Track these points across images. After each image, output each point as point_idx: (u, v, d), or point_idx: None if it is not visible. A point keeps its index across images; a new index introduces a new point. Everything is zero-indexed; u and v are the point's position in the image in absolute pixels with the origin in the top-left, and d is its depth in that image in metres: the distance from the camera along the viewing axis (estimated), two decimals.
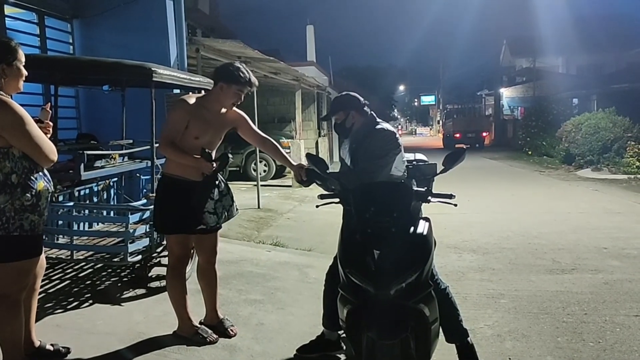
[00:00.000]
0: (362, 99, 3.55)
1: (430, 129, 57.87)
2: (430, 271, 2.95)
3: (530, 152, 21.16)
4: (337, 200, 3.24)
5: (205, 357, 3.45)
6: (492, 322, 4.32)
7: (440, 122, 43.20)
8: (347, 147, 3.59)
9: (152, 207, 4.31)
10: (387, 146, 3.38)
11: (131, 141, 5.80)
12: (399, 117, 78.49)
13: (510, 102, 33.51)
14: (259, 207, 9.45)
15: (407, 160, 3.56)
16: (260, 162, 14.64)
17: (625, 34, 30.36)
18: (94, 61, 4.92)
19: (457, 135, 31.20)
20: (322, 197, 3.33)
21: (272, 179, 14.29)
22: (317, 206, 3.37)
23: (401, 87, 59.72)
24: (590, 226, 8.03)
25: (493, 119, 34.47)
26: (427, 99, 57.92)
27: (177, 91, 6.31)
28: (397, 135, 3.48)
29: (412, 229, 2.90)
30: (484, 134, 31.66)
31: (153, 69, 4.33)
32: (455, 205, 3.18)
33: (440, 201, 3.16)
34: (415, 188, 3.21)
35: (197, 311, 3.89)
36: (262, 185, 13.19)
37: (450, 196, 3.13)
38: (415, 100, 67.29)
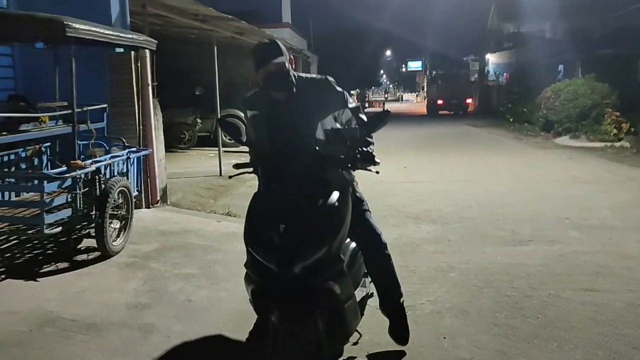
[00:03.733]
0: None
1: (417, 96, 57.32)
2: (340, 247, 2.72)
3: (511, 120, 20.91)
4: (252, 169, 2.97)
5: (114, 338, 3.22)
6: (435, 297, 4.14)
7: (425, 88, 42.72)
8: (271, 116, 2.97)
9: (74, 173, 4.02)
10: (340, 94, 2.96)
11: (65, 103, 5.43)
12: (388, 82, 77.70)
13: (495, 68, 33.06)
14: (220, 174, 9.16)
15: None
16: None
17: None
18: None
19: (441, 101, 30.82)
20: (237, 166, 3.05)
21: (194, 147, 13.84)
22: (230, 177, 3.11)
23: (388, 53, 58.83)
24: (557, 195, 7.86)
25: (477, 85, 34.07)
26: (414, 65, 57.12)
27: (120, 50, 5.91)
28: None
29: (321, 200, 2.65)
30: (468, 100, 31.28)
31: (66, 22, 3.94)
32: (377, 172, 2.92)
33: (364, 169, 2.89)
34: (332, 155, 2.91)
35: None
36: (231, 152, 12.91)
37: (373, 160, 2.84)
38: (403, 66, 66.50)
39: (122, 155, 5.07)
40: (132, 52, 5.82)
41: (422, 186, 8.85)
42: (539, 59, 24.00)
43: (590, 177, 9.39)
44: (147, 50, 5.93)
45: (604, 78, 16.32)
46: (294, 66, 2.96)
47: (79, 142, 5.46)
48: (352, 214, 2.96)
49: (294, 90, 2.85)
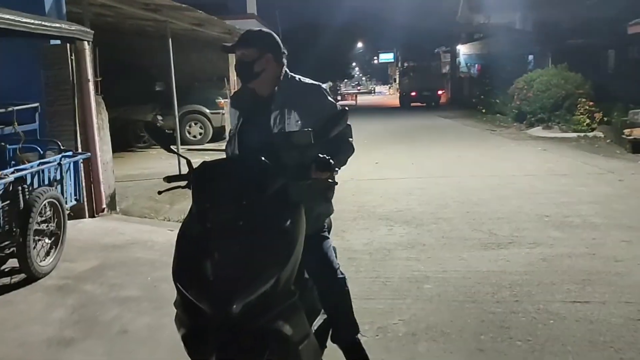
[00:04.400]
0: (282, 46, 2.69)
1: (390, 88, 57.08)
2: (292, 277, 2.22)
3: (484, 111, 20.68)
4: (185, 183, 2.43)
5: None
6: (409, 315, 3.66)
7: (397, 80, 42.42)
8: (247, 117, 2.67)
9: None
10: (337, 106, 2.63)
11: None
12: (360, 75, 77.25)
13: (467, 59, 32.84)
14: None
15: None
16: (196, 124, 13.64)
17: None
18: None
19: (413, 93, 30.56)
20: (168, 179, 2.51)
21: (209, 142, 13.32)
22: (159, 192, 2.59)
23: (359, 44, 58.36)
24: (535, 190, 7.49)
25: (449, 77, 33.88)
26: (386, 57, 56.71)
27: (56, 42, 5.26)
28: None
29: (268, 221, 2.14)
30: (440, 92, 31.08)
31: None
32: (336, 183, 2.44)
33: (319, 179, 2.39)
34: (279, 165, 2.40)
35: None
36: (196, 150, 12.28)
37: (330, 168, 2.34)
38: (375, 58, 66.18)
39: (54, 161, 4.45)
40: (68, 45, 5.18)
41: (395, 183, 8.40)
42: (509, 50, 23.83)
43: (566, 170, 9.07)
44: (85, 43, 5.31)
45: (575, 68, 16.13)
46: (285, 64, 2.63)
47: (8, 146, 4.86)
48: (311, 240, 2.49)
49: (276, 89, 2.59)
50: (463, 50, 32.49)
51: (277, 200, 2.25)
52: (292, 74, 2.73)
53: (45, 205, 3.96)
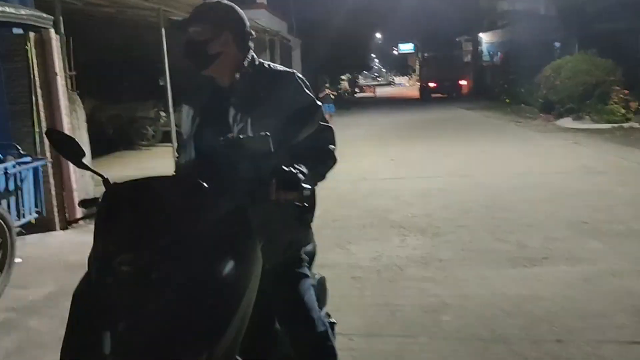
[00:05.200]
0: (248, 24, 2.02)
1: (409, 79, 56.00)
2: (234, 347, 1.53)
3: (508, 101, 19.70)
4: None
5: None
6: None
7: (417, 71, 41.34)
8: (203, 114, 2.03)
9: None
10: (311, 101, 1.99)
11: None
12: (379, 66, 76.08)
13: (489, 47, 31.73)
14: None
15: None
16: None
17: None
18: None
19: (433, 84, 29.56)
20: (83, 204, 1.87)
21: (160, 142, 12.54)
22: (76, 220, 1.93)
23: (378, 35, 57.22)
24: (568, 191, 6.65)
25: (471, 66, 32.75)
26: (405, 47, 55.43)
27: (18, 31, 4.61)
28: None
29: (196, 270, 1.47)
30: (462, 82, 30.01)
31: None
32: (305, 205, 1.74)
33: (283, 201, 1.71)
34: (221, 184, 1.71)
35: None
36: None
37: (297, 186, 1.65)
38: (394, 48, 64.97)
39: None
40: (32, 35, 4.52)
41: (411, 183, 7.63)
42: (534, 37, 22.78)
43: (602, 166, 8.19)
44: (52, 32, 4.66)
45: (604, 54, 15.06)
46: (248, 44, 2.03)
47: None
48: (282, 280, 1.94)
49: (237, 76, 2.00)
50: (485, 38, 31.38)
51: (215, 234, 1.56)
52: (261, 60, 2.07)
53: None
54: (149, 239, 1.49)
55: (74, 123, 5.15)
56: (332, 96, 15.59)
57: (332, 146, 2.02)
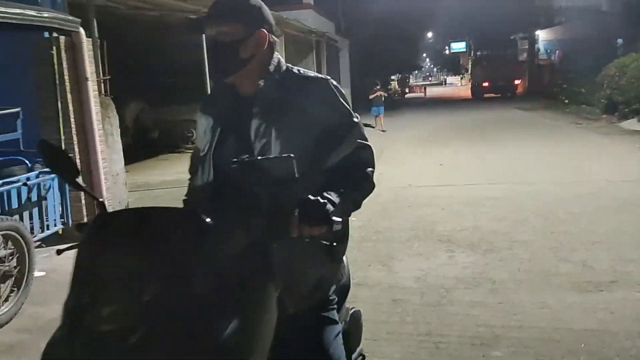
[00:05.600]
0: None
1: (462, 78, 54.77)
2: None
3: (567, 101, 18.68)
4: None
5: None
6: None
7: (470, 70, 40.23)
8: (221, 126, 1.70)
9: None
10: (348, 114, 1.67)
11: None
12: (431, 66, 74.82)
13: (547, 45, 30.47)
14: None
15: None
16: None
17: None
18: None
19: (486, 84, 28.60)
20: (79, 227, 1.61)
21: None
22: (58, 252, 1.66)
23: (429, 34, 56.13)
24: (638, 202, 6.01)
25: (527, 65, 31.49)
26: (458, 46, 54.12)
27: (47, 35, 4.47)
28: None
29: (188, 330, 1.17)
30: (517, 81, 28.88)
31: None
32: (333, 245, 1.38)
33: (306, 238, 1.39)
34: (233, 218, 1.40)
35: None
36: None
37: (325, 219, 1.37)
38: (446, 48, 63.64)
39: (17, 181, 3.63)
40: (61, 39, 4.37)
41: (461, 191, 7.14)
42: (594, 34, 21.64)
43: None
44: (82, 35, 4.50)
45: None
46: (264, 45, 1.66)
47: None
48: (303, 327, 1.60)
49: (261, 84, 1.66)
50: (542, 35, 30.15)
51: (221, 282, 1.26)
52: (288, 64, 1.73)
53: None
54: (132, 289, 1.19)
55: (106, 129, 4.98)
56: (382, 97, 15.08)
57: (370, 169, 1.66)
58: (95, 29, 5.04)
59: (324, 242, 1.41)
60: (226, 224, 1.36)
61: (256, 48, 1.62)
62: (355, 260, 4.63)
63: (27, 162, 4.19)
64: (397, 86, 38.31)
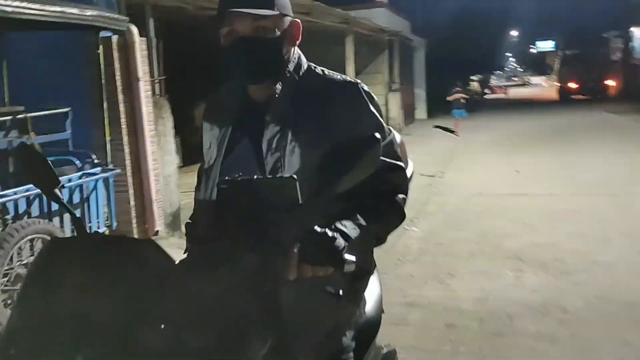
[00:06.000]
0: None
1: (548, 79, 52.12)
2: None
3: None
4: None
5: None
6: None
7: (556, 70, 38.10)
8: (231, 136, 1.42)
9: None
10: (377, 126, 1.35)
11: (20, 108, 4.06)
12: (515, 66, 71.91)
13: None
14: None
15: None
16: None
17: None
18: None
19: (574, 85, 26.93)
20: None
21: None
22: None
23: (514, 33, 53.91)
24: None
25: (620, 65, 29.28)
26: (544, 45, 51.76)
27: (107, 34, 4.44)
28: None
29: None
30: (608, 82, 26.93)
31: None
32: (339, 293, 1.12)
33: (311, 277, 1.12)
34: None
35: None
36: None
37: (339, 264, 1.10)
38: (531, 46, 60.91)
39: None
40: (114, 38, 4.32)
41: (537, 202, 6.54)
42: None
43: None
44: (135, 35, 4.43)
45: None
46: (299, 39, 1.40)
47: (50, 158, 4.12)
48: None
49: (282, 87, 1.37)
50: (638, 34, 27.83)
51: (188, 340, 1.01)
52: (311, 63, 1.44)
53: (27, 243, 3.06)
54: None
55: (159, 130, 4.92)
56: (463, 100, 14.20)
57: (401, 195, 1.36)
58: (152, 28, 4.99)
59: (329, 289, 1.12)
60: (202, 260, 1.10)
61: (292, 43, 1.37)
62: (411, 276, 4.28)
63: (77, 162, 4.18)
64: (477, 87, 36.99)
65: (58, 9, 3.26)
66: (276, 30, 1.31)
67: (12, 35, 4.35)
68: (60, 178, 3.19)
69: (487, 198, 6.90)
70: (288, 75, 1.38)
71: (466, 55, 27.57)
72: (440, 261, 4.63)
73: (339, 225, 1.17)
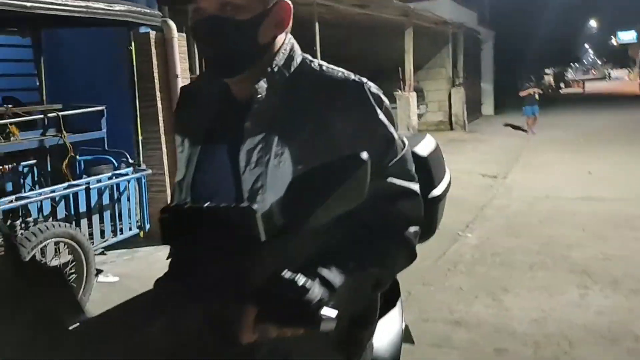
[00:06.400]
0: None
1: (630, 73, 49.07)
2: None
3: None
4: None
5: None
6: None
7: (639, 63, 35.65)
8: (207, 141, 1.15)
9: None
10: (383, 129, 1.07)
11: (58, 106, 4.03)
12: (594, 58, 68.17)
13: None
14: None
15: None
16: None
17: None
18: None
19: None
20: None
21: None
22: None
23: (593, 23, 50.90)
24: None
25: None
26: (626, 36, 48.47)
27: (145, 30, 4.35)
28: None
29: None
30: None
31: None
32: None
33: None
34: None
35: None
36: None
37: (314, 321, 0.82)
38: (612, 38, 57.43)
39: (84, 184, 3.48)
40: (152, 34, 4.22)
41: (609, 208, 5.93)
42: None
43: None
44: (173, 30, 4.31)
45: None
46: (288, 27, 1.13)
47: (78, 157, 4.10)
48: None
49: (262, 84, 1.09)
50: None
51: None
52: (306, 55, 1.16)
53: (45, 247, 2.96)
54: None
55: None
56: (536, 96, 13.18)
57: (412, 229, 1.06)
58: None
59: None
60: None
61: (277, 29, 1.08)
62: (459, 290, 3.90)
63: (114, 161, 4.12)
64: (551, 81, 35.12)
65: (82, 3, 3.14)
66: (250, 8, 1.04)
67: (51, 33, 4.35)
68: (88, 179, 3.04)
69: (554, 202, 6.34)
70: (276, 70, 1.09)
71: (539, 48, 26.20)
72: (494, 273, 4.22)
73: (320, 269, 0.89)
